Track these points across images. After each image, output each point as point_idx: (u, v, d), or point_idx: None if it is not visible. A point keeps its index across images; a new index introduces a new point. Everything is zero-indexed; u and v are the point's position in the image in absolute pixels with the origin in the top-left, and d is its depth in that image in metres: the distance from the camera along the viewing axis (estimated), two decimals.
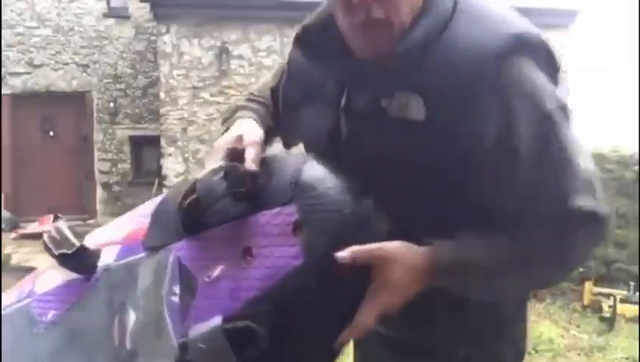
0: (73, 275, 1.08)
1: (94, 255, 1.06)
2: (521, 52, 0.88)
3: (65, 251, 1.05)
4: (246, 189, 0.92)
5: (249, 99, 1.18)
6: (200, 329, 0.86)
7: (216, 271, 0.90)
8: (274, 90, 1.18)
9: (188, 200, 0.94)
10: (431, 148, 0.90)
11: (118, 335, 0.99)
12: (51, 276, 1.15)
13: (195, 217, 0.94)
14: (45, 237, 1.08)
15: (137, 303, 0.98)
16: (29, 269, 7.10)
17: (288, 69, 1.13)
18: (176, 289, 0.94)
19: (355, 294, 0.89)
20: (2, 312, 1.17)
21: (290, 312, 0.87)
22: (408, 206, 0.92)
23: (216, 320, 0.85)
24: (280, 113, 1.15)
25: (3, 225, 8.77)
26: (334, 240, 0.86)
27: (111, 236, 1.13)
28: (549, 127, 0.88)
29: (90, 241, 1.11)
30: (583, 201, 0.85)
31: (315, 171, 0.92)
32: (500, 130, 0.87)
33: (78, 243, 1.05)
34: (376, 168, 0.94)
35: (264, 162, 0.96)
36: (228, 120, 1.12)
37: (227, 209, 0.93)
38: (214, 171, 0.95)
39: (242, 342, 0.84)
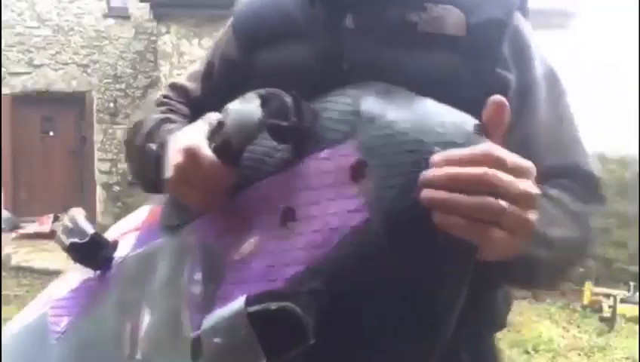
0: (91, 274, 0.93)
1: (111, 246, 0.91)
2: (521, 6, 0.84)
3: (76, 240, 0.89)
4: (290, 124, 0.65)
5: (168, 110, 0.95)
6: (216, 317, 0.60)
7: (248, 246, 0.66)
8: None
9: (216, 143, 0.68)
10: (469, 70, 0.76)
11: (130, 343, 0.79)
12: (69, 278, 0.98)
13: (227, 164, 0.68)
14: (59, 227, 0.93)
15: (154, 301, 0.78)
16: (29, 269, 7.11)
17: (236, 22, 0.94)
18: (198, 276, 0.71)
19: (449, 256, 0.58)
20: (22, 325, 1.00)
21: (352, 290, 0.59)
22: None
23: (238, 303, 0.58)
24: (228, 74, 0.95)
25: (3, 225, 8.76)
26: (413, 183, 0.56)
27: (129, 224, 0.95)
28: (555, 80, 0.85)
29: (112, 233, 0.95)
30: (594, 166, 0.82)
31: (380, 100, 0.65)
32: (519, 73, 0.80)
33: (90, 231, 0.89)
34: None
35: (297, 96, 0.68)
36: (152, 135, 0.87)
37: (266, 157, 0.69)
38: (246, 99, 0.67)
39: (278, 335, 0.57)
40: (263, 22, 0.88)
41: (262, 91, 0.67)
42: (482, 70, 0.76)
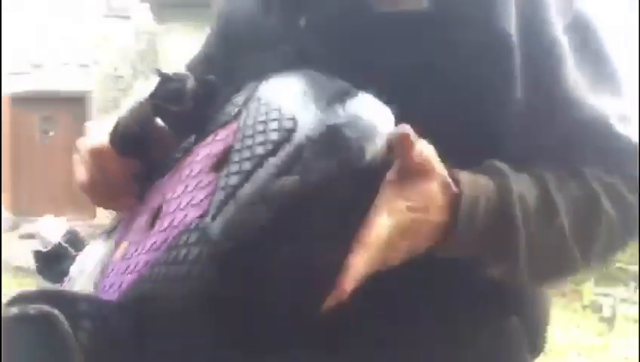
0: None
1: (71, 259, 0.78)
2: None
3: (39, 249, 0.78)
4: (179, 108, 0.58)
5: None
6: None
7: (120, 250, 0.59)
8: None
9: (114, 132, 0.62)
10: (435, 47, 0.63)
11: None
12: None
13: (121, 153, 0.63)
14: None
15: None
16: (30, 269, 7.09)
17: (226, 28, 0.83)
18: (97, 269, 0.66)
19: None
20: None
21: (170, 307, 0.49)
22: None
23: None
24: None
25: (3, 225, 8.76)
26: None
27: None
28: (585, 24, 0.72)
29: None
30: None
31: (280, 82, 0.57)
32: (524, 18, 0.64)
33: (54, 241, 0.78)
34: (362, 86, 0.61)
35: (208, 82, 0.62)
36: None
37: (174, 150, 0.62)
38: (152, 82, 0.61)
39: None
40: (246, 26, 0.78)
41: (167, 74, 0.60)
42: (452, 38, 0.63)
